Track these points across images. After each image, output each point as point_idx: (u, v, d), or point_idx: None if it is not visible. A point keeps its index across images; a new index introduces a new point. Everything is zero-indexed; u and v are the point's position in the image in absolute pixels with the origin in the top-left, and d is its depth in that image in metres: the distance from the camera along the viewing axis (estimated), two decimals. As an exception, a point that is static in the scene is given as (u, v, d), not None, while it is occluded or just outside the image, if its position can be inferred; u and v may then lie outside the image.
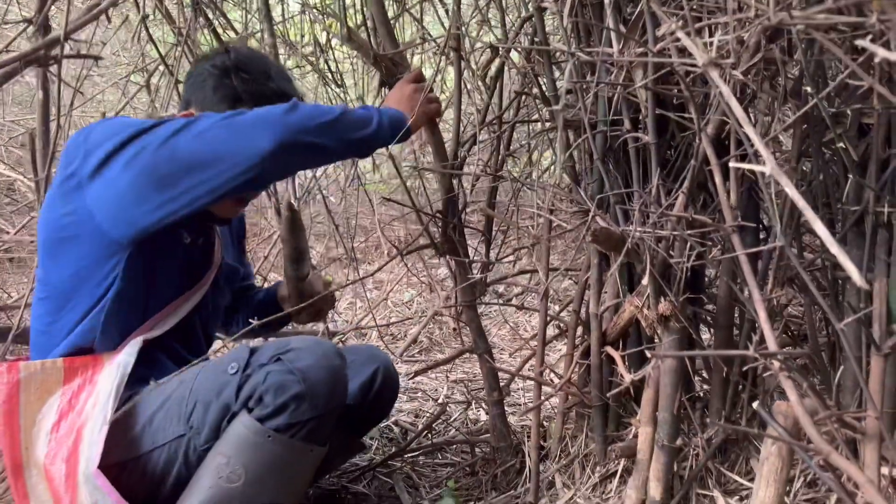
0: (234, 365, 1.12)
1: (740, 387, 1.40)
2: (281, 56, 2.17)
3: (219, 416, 1.11)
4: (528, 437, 1.52)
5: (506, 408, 1.64)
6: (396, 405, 2.03)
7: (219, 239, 1.38)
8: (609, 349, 1.34)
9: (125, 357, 1.12)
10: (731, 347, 1.33)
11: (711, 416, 1.39)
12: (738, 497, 1.26)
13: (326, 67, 2.26)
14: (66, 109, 1.56)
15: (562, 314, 1.70)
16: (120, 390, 1.09)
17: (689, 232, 1.12)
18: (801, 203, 0.67)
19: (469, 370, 2.44)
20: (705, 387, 1.48)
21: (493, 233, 1.53)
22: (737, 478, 1.30)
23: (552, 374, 1.56)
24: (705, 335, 1.52)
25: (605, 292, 1.45)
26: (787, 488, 1.24)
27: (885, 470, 1.10)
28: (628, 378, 1.22)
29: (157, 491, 1.14)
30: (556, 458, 1.52)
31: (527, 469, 1.50)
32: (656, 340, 1.30)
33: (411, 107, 1.29)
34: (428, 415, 1.99)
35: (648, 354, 1.22)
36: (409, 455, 1.71)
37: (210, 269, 1.33)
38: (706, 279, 1.48)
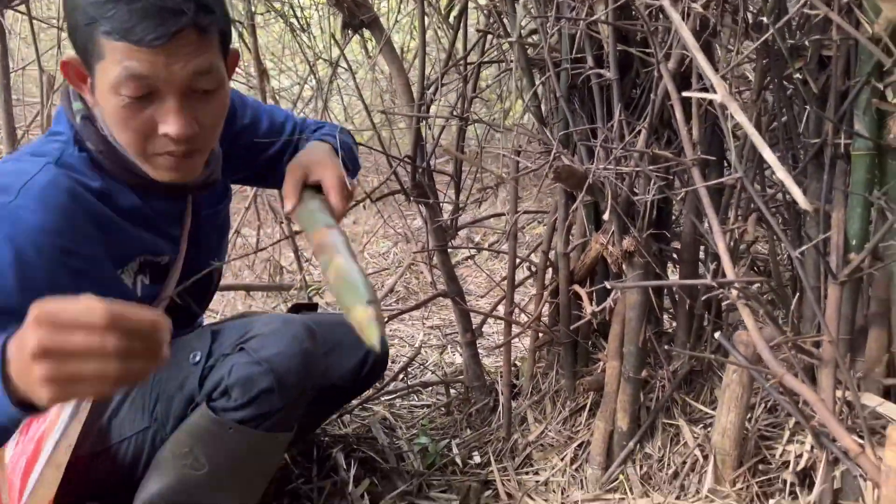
0: (196, 354, 1.06)
1: (705, 321, 1.44)
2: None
3: (182, 409, 1.06)
4: (501, 376, 1.55)
5: (479, 349, 1.67)
6: (373, 351, 2.05)
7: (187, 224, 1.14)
8: (576, 287, 1.36)
9: None
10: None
11: (677, 349, 1.43)
12: (702, 425, 1.31)
13: (291, 13, 2.21)
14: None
15: (531, 256, 1.72)
16: None
17: (651, 168, 1.13)
18: (751, 130, 0.69)
19: (445, 317, 2.47)
20: (673, 323, 1.51)
21: (463, 177, 1.53)
22: (701, 407, 1.34)
23: (522, 314, 1.58)
24: (673, 274, 1.54)
25: (573, 234, 1.47)
26: (749, 414, 1.28)
27: (839, 393, 1.14)
28: (590, 309, 1.25)
29: (129, 480, 1.09)
30: (528, 395, 1.56)
31: (500, 407, 1.54)
32: (623, 277, 1.32)
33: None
34: (405, 359, 2.02)
35: (608, 285, 1.24)
36: (386, 398, 1.75)
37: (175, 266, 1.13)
38: (672, 217, 1.50)
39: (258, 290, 2.51)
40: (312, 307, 1.47)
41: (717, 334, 1.14)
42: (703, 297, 1.33)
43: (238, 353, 1.03)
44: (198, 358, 1.06)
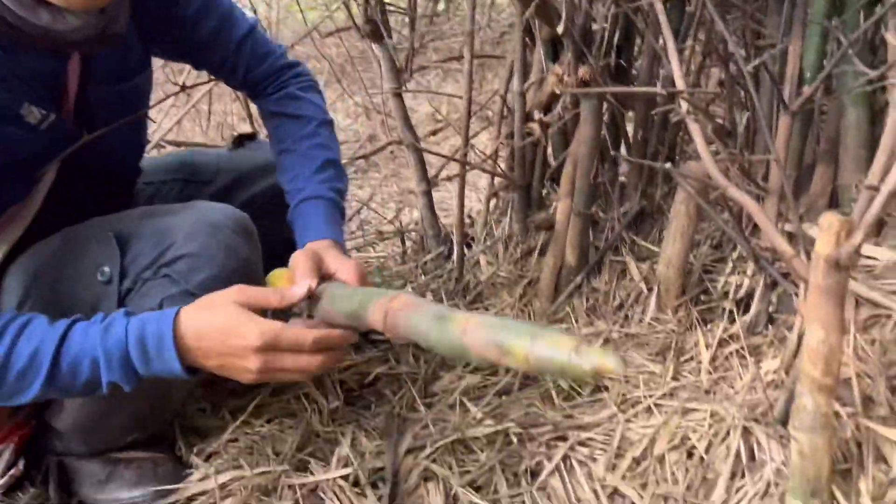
0: (104, 270, 0.90)
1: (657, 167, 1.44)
2: None
3: None
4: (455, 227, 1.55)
5: (434, 200, 1.66)
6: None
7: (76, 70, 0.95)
8: (530, 123, 1.35)
9: None
10: (652, 117, 1.35)
11: (629, 190, 1.43)
12: (649, 262, 1.33)
13: None
14: None
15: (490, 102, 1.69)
16: None
17: (609, -14, 1.09)
18: None
19: (403, 174, 2.44)
20: (624, 166, 1.52)
21: (418, 14, 1.46)
22: (649, 246, 1.36)
23: (481, 162, 1.57)
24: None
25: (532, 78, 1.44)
26: (694, 251, 1.31)
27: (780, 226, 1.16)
28: (538, 120, 1.24)
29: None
30: (482, 241, 1.57)
31: (454, 252, 1.54)
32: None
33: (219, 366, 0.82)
34: (360, 212, 2.01)
35: (557, 90, 1.22)
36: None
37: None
38: (632, 63, 1.47)
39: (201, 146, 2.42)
40: (252, 136, 1.36)
41: (666, 165, 1.14)
42: (654, 111, 1.32)
43: (163, 279, 0.89)
44: (107, 276, 0.90)
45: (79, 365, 0.80)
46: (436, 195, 1.73)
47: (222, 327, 0.78)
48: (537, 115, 1.31)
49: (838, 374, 0.75)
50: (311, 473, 0.99)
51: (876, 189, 0.79)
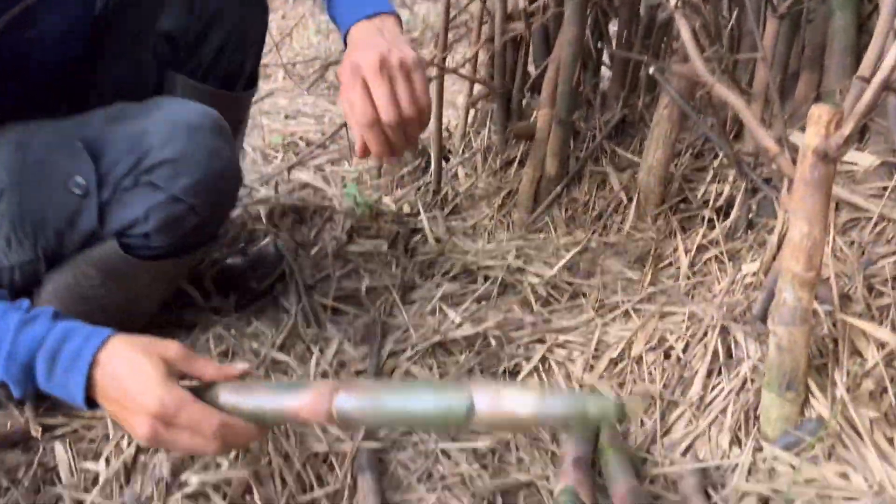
0: (78, 182, 0.84)
1: (640, 74, 1.41)
2: None
3: (79, 245, 0.88)
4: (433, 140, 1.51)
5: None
6: (301, 124, 1.98)
7: None
8: (512, 23, 1.30)
9: None
10: (637, 20, 1.31)
11: (610, 99, 1.41)
12: (629, 172, 1.32)
13: None
14: None
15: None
16: None
17: None
18: None
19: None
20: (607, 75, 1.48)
21: None
22: (629, 156, 1.35)
23: (459, 67, 1.52)
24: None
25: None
26: (676, 160, 1.30)
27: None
28: (522, 9, 1.19)
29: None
30: (460, 153, 1.54)
31: (431, 164, 1.51)
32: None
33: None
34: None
35: None
36: (314, 163, 1.70)
37: None
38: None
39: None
40: None
41: (651, 69, 1.11)
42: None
43: (145, 187, 0.84)
44: (83, 189, 0.84)
45: None
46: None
47: (132, 376, 0.69)
48: (522, 2, 1.26)
49: (820, 268, 0.75)
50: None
51: (867, 80, 0.78)
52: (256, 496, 0.79)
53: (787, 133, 1.07)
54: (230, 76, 1.09)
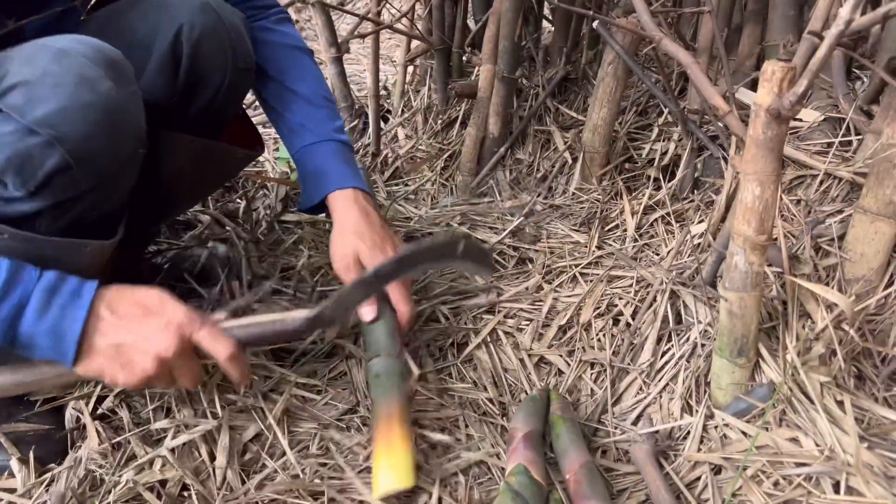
0: None
1: (583, 28, 1.36)
2: None
3: None
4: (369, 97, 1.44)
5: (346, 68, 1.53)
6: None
7: None
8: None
9: None
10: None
11: (553, 55, 1.36)
12: (573, 131, 1.28)
13: None
14: None
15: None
16: None
17: None
18: None
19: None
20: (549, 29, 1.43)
21: None
22: (573, 114, 1.31)
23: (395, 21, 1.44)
24: None
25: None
26: (620, 118, 1.26)
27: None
28: None
29: None
30: (399, 114, 1.47)
31: (370, 125, 1.45)
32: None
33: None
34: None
35: None
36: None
37: None
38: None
39: None
40: None
41: (594, 23, 1.06)
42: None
43: None
44: None
45: None
46: (347, 69, 1.60)
47: (144, 301, 0.69)
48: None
49: (771, 231, 0.73)
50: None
51: (819, 35, 0.75)
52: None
53: (734, 90, 1.05)
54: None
